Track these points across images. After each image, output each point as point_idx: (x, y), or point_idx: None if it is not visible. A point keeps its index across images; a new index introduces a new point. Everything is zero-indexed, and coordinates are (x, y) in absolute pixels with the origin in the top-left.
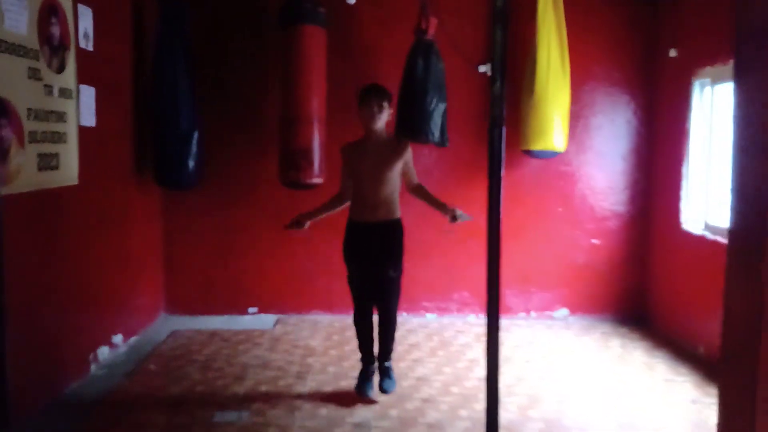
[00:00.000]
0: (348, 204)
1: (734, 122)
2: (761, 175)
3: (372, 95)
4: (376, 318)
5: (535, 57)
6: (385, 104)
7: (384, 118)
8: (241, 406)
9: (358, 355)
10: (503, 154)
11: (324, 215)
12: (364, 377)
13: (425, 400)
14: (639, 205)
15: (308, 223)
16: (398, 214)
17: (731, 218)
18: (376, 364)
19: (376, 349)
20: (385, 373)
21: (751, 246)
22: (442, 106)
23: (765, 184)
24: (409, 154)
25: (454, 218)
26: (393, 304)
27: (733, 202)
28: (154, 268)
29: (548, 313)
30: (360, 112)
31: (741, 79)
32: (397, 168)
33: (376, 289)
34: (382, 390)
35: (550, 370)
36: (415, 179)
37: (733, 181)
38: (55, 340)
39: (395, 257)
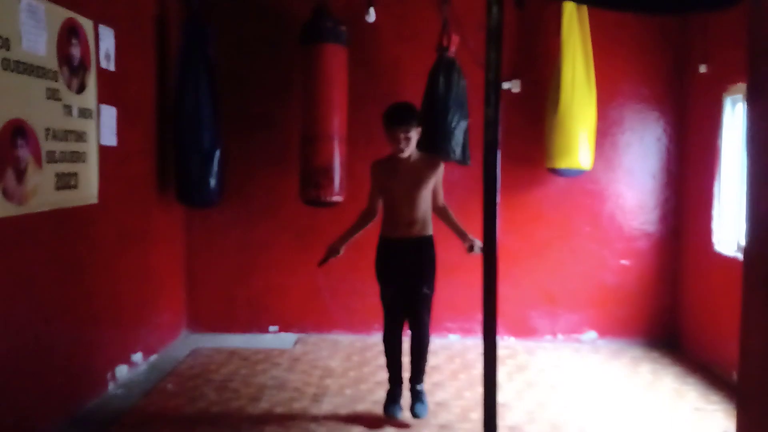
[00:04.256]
0: (374, 219)
1: (748, 144)
2: None
3: (398, 124)
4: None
5: (559, 73)
6: (413, 132)
7: (413, 143)
8: (254, 429)
9: (377, 378)
10: (498, 182)
11: (356, 235)
12: (392, 399)
13: (442, 427)
14: (670, 224)
15: (343, 249)
16: (431, 230)
17: (746, 247)
18: (403, 386)
19: (404, 371)
20: (417, 397)
21: None
22: (464, 124)
23: None
24: (441, 171)
25: (471, 248)
26: (425, 322)
27: (748, 229)
28: (176, 286)
29: (576, 335)
30: (387, 135)
31: (755, 98)
32: (430, 185)
33: (408, 306)
34: (415, 414)
35: (575, 397)
36: (441, 200)
37: (747, 207)
38: (73, 359)
39: (429, 274)
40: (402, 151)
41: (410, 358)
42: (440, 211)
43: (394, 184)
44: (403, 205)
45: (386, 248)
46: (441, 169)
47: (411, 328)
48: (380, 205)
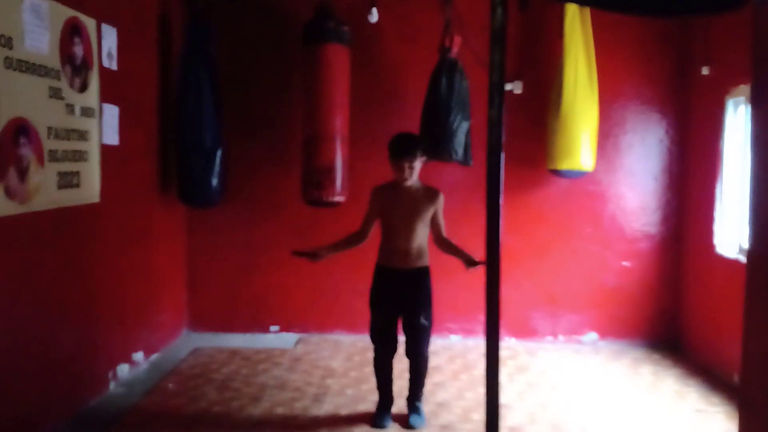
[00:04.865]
0: (363, 243)
1: (751, 147)
2: None
3: (402, 156)
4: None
5: (561, 74)
6: (417, 163)
7: (416, 172)
8: (255, 429)
9: None
10: (502, 183)
11: (340, 252)
12: (380, 413)
13: (444, 427)
14: (671, 226)
15: (323, 257)
16: (427, 261)
17: (749, 250)
18: (392, 403)
19: (394, 389)
20: (415, 410)
21: None
22: (465, 125)
23: None
24: (440, 203)
25: (469, 263)
26: (424, 352)
27: (751, 232)
28: (177, 286)
29: (576, 337)
30: (391, 164)
31: (759, 101)
32: (428, 216)
33: (406, 339)
34: (410, 426)
35: (576, 399)
36: (443, 232)
37: (751, 209)
38: (74, 357)
39: (426, 305)
40: (405, 180)
41: (410, 383)
42: (443, 242)
43: (393, 209)
44: (400, 234)
45: (382, 277)
46: (440, 200)
47: (410, 359)
48: (372, 231)
